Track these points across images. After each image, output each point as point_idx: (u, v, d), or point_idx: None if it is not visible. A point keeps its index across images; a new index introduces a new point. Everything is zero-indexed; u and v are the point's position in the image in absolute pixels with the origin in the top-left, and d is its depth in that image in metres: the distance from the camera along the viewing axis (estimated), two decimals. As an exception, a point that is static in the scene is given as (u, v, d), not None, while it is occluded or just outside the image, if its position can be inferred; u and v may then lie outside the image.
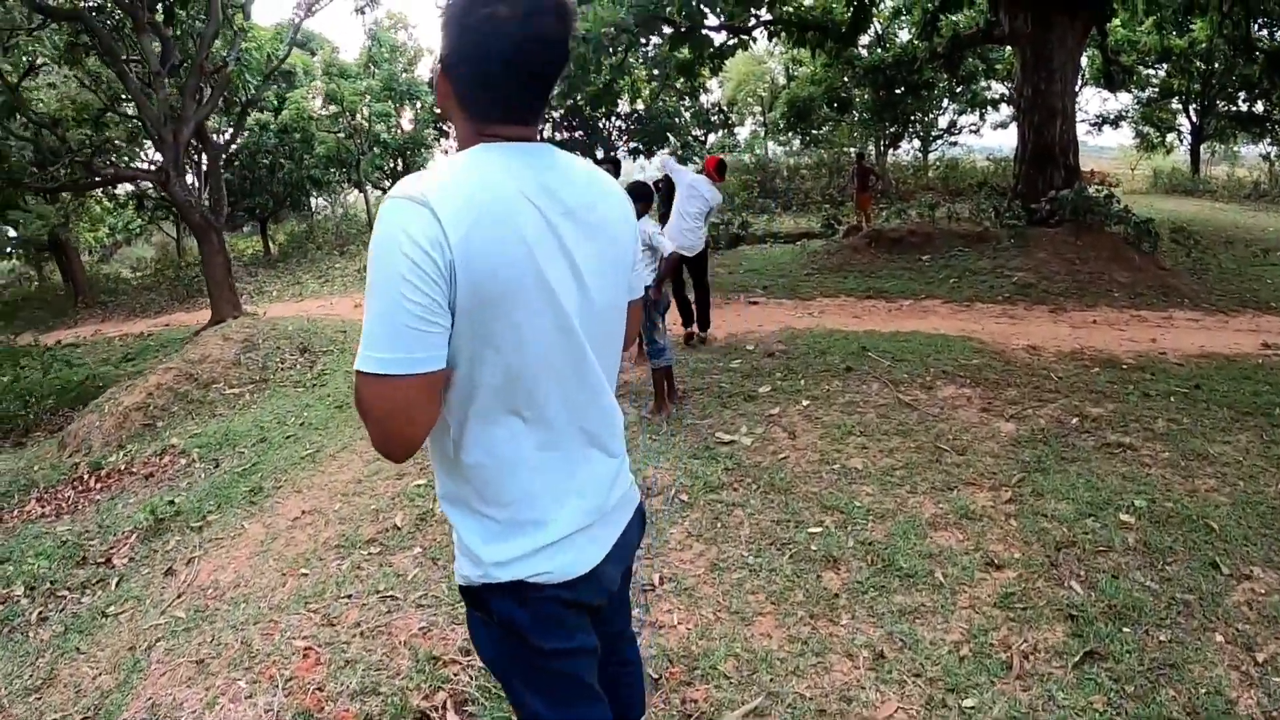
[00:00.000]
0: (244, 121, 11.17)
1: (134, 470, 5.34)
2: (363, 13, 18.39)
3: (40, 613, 3.34)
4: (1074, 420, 4.00)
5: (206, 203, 9.38)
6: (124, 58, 8.70)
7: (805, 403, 4.46)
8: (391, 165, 25.96)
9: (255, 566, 3.28)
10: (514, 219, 0.99)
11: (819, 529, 2.99)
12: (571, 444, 1.13)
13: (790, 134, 23.32)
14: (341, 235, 19.95)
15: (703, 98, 28.77)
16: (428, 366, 0.96)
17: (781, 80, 29.71)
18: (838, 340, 5.85)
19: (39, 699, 2.69)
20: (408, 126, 26.06)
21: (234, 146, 17.37)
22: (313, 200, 25.15)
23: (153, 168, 9.40)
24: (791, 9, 10.12)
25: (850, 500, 3.19)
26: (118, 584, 3.49)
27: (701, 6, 8.55)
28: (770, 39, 10.73)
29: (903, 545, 2.80)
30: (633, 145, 28.19)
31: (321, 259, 17.83)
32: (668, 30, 9.92)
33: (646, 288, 4.22)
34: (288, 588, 3.01)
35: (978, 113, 25.15)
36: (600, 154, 28.10)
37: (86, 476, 5.40)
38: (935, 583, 2.58)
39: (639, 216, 5.15)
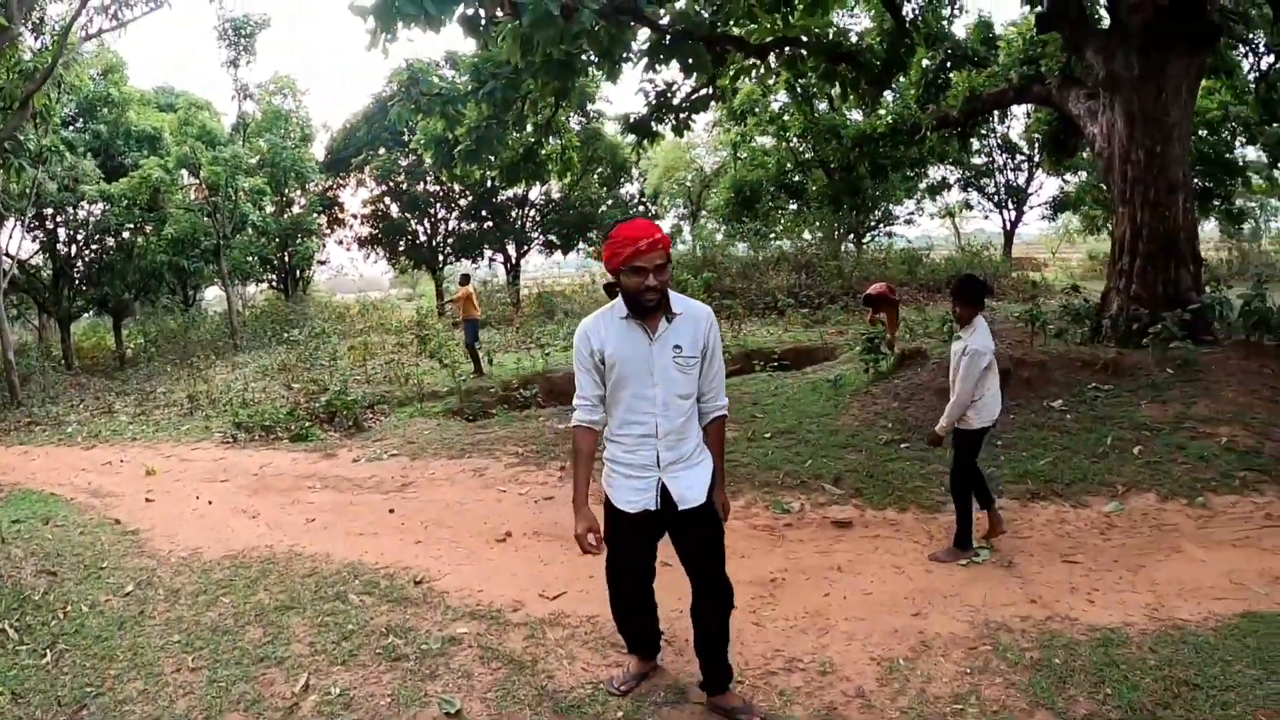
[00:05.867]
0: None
1: None
2: (235, 66, 14.76)
3: None
4: None
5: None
6: None
7: None
8: (271, 255, 21.52)
9: None
10: None
11: None
12: None
13: (736, 223, 21.09)
14: (183, 342, 15.29)
15: (622, 188, 26.44)
16: None
17: (708, 169, 28.10)
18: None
19: None
20: (296, 210, 22.02)
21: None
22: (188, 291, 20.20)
23: None
24: (825, 32, 7.50)
25: None
26: None
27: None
28: (791, 66, 7.97)
29: None
30: (549, 237, 24.98)
31: (160, 371, 13.24)
32: (643, 37, 6.95)
33: None
34: None
35: (914, 201, 24.14)
36: (512, 249, 24.60)
37: None
38: None
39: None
